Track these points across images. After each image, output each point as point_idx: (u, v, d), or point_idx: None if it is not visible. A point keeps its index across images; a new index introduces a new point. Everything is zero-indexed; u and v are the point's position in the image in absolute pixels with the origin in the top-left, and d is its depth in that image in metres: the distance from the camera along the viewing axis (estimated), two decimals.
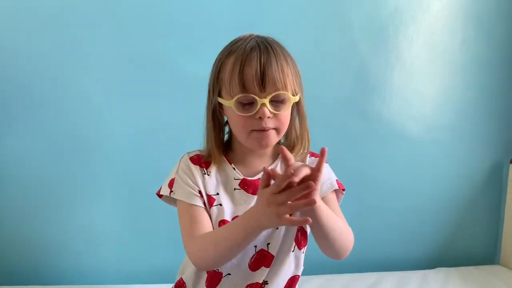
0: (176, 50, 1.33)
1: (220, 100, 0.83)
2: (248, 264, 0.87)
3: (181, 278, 0.94)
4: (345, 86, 1.46)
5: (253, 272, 0.87)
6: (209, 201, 0.87)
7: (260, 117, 0.79)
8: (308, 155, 0.92)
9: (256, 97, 0.78)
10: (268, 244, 0.87)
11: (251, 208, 0.76)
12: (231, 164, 0.89)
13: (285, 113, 0.82)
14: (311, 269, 1.36)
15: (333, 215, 0.78)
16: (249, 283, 0.88)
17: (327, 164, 0.93)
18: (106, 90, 1.32)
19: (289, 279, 0.91)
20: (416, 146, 1.53)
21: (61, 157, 1.31)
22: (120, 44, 1.31)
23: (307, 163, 0.90)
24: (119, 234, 1.35)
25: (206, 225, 0.83)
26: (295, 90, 0.83)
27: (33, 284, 1.27)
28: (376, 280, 1.36)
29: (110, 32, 1.30)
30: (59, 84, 1.29)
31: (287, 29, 1.39)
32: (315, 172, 0.69)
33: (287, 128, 0.87)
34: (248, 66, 0.79)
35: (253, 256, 0.88)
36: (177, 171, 0.88)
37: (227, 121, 0.88)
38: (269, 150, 0.90)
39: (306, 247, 0.92)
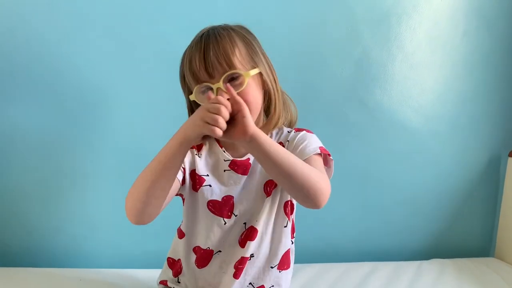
0: (173, 35, 1.32)
1: (190, 97, 0.86)
2: (238, 241, 0.92)
3: (170, 257, 1.00)
4: (345, 76, 1.45)
5: (242, 248, 0.91)
6: (199, 181, 0.91)
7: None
8: (288, 130, 0.94)
9: (209, 84, 0.81)
10: (256, 221, 0.91)
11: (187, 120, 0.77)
12: (221, 148, 0.92)
13: (247, 90, 0.82)
14: (306, 258, 1.37)
15: (288, 153, 0.76)
16: (238, 258, 0.91)
17: (314, 134, 0.93)
18: (103, 74, 1.30)
19: (284, 253, 0.94)
20: (415, 137, 1.52)
21: (58, 140, 1.30)
22: (117, 28, 1.29)
23: (284, 135, 0.93)
24: (114, 219, 1.35)
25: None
26: (248, 66, 0.83)
27: (26, 266, 1.27)
28: (371, 270, 1.37)
29: (108, 15, 1.28)
30: (56, 67, 1.28)
31: (287, 18, 1.39)
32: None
33: (263, 104, 0.89)
34: (194, 57, 0.82)
35: (242, 233, 0.92)
36: None
37: None
38: None
39: (292, 216, 0.95)
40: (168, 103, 1.33)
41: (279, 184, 0.87)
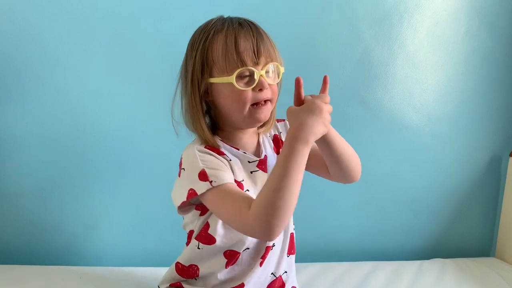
0: (175, 33, 1.31)
1: (213, 80, 0.82)
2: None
3: (193, 264, 0.93)
4: (346, 74, 1.45)
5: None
6: (240, 187, 0.84)
7: (260, 89, 0.81)
8: (276, 122, 0.97)
9: (254, 70, 0.80)
10: None
11: (290, 131, 0.75)
12: (238, 150, 0.88)
13: (276, 84, 0.86)
14: (308, 257, 1.37)
15: (340, 137, 0.86)
16: (262, 252, 0.91)
17: None
18: (104, 72, 1.30)
19: (290, 238, 0.96)
20: (416, 136, 1.52)
21: (57, 138, 1.30)
22: (118, 25, 1.29)
23: (280, 127, 0.98)
24: (114, 217, 1.35)
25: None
26: (281, 62, 0.86)
27: (26, 263, 1.26)
28: (371, 269, 1.36)
29: (110, 12, 1.28)
30: (56, 64, 1.27)
31: (289, 17, 1.38)
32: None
33: None
34: (243, 40, 0.80)
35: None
36: (202, 163, 0.81)
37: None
38: (252, 128, 0.92)
39: None
40: (168, 102, 1.33)
41: (335, 167, 0.90)
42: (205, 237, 0.89)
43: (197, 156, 0.81)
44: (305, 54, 1.41)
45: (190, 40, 0.88)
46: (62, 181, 1.32)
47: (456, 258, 1.51)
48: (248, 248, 0.90)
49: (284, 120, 0.98)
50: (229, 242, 0.89)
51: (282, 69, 0.86)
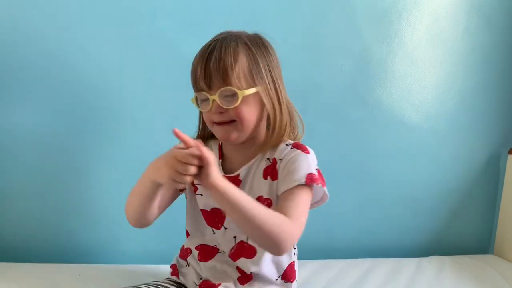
0: (173, 30, 1.31)
1: (191, 99, 0.89)
2: (229, 255, 0.91)
3: (183, 245, 1.02)
4: (345, 72, 1.45)
5: (234, 262, 0.91)
6: (194, 188, 0.95)
7: (220, 112, 0.83)
8: (286, 143, 0.90)
9: (207, 94, 0.82)
10: (248, 237, 0.90)
11: (156, 159, 0.78)
12: (220, 159, 0.94)
13: (241, 107, 0.82)
14: (306, 254, 1.37)
15: (252, 203, 0.74)
16: (235, 271, 0.92)
17: (309, 155, 0.88)
18: (103, 69, 1.30)
19: (287, 267, 0.94)
20: (415, 134, 1.52)
21: (57, 135, 1.30)
22: (117, 24, 1.28)
23: (279, 149, 0.89)
24: (113, 214, 1.35)
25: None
26: (246, 84, 0.82)
27: (25, 261, 1.26)
28: (370, 266, 1.37)
29: (108, 11, 1.28)
30: (56, 62, 1.27)
31: (288, 14, 1.38)
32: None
33: (264, 120, 0.89)
34: (196, 65, 0.84)
35: (233, 247, 0.91)
36: None
37: None
38: (252, 147, 0.90)
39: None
40: (168, 100, 1.34)
41: (242, 232, 0.87)
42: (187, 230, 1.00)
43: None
44: (304, 52, 1.41)
45: None
46: (61, 179, 1.32)
47: (454, 255, 1.52)
48: (223, 252, 0.93)
49: (300, 147, 0.88)
50: (193, 233, 0.97)
51: (242, 93, 0.81)
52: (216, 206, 0.91)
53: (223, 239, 0.92)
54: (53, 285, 1.12)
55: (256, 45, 0.86)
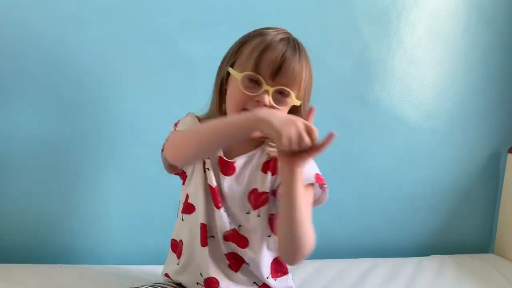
0: (173, 30, 1.31)
1: (230, 69, 0.84)
2: (224, 235, 0.91)
3: (173, 239, 1.00)
4: (345, 71, 1.45)
5: (227, 242, 0.91)
6: (202, 162, 0.92)
7: (258, 101, 0.81)
8: None
9: (263, 82, 0.80)
10: (240, 226, 0.91)
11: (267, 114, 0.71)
12: None
13: (282, 109, 0.82)
14: None
15: (306, 205, 0.77)
16: (228, 251, 0.92)
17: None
18: (102, 69, 1.29)
19: (272, 262, 0.95)
20: (415, 133, 1.52)
21: (56, 136, 1.29)
22: (116, 23, 1.28)
23: None
24: (113, 215, 1.35)
25: None
26: (300, 96, 0.85)
27: (25, 262, 1.26)
28: (370, 266, 1.37)
29: (107, 11, 1.27)
30: (55, 62, 1.27)
31: (288, 12, 1.38)
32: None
33: None
34: (271, 51, 0.80)
35: (227, 231, 0.91)
36: (182, 118, 0.95)
37: None
38: (254, 141, 0.90)
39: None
40: (168, 100, 1.33)
41: (280, 232, 0.83)
42: (186, 206, 0.94)
43: (185, 116, 0.95)
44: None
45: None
46: (61, 180, 1.31)
47: (455, 255, 1.52)
48: (213, 237, 0.91)
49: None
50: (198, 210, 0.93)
51: (295, 101, 0.84)
52: (215, 185, 0.89)
53: (221, 220, 0.90)
54: (52, 285, 1.12)
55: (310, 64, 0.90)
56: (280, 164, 0.75)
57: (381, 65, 1.46)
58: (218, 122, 0.77)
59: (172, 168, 0.96)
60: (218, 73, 0.89)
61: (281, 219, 0.79)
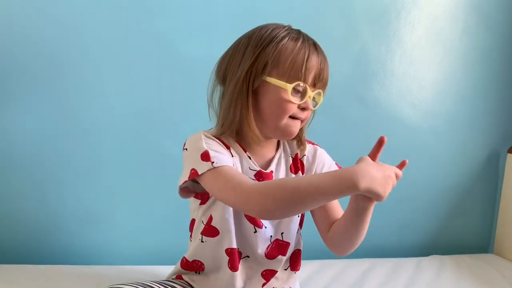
0: (172, 31, 1.31)
1: (270, 80, 0.82)
2: (265, 253, 0.91)
3: (191, 260, 0.93)
4: (344, 72, 1.45)
5: (269, 260, 0.91)
6: None
7: (303, 108, 0.84)
8: (297, 139, 0.95)
9: (309, 89, 0.83)
10: (282, 233, 0.92)
11: (351, 168, 0.73)
12: (246, 152, 0.88)
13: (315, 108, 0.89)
14: (306, 255, 1.36)
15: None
16: (264, 269, 0.92)
17: (324, 150, 0.98)
18: (101, 70, 1.29)
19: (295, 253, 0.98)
20: (414, 133, 1.52)
21: (56, 137, 1.29)
22: (115, 24, 1.28)
23: (293, 145, 0.96)
24: (112, 216, 1.34)
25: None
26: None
27: (23, 263, 1.26)
28: (370, 266, 1.36)
29: (106, 12, 1.27)
30: (54, 63, 1.26)
31: (287, 13, 1.37)
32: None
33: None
34: (313, 59, 0.83)
35: (269, 246, 0.91)
36: (206, 144, 0.82)
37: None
38: (273, 142, 0.92)
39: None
40: (167, 100, 1.33)
41: (344, 239, 0.91)
42: (209, 229, 0.89)
43: (202, 138, 0.83)
44: None
45: (251, 35, 0.85)
46: (61, 181, 1.31)
47: (454, 255, 1.52)
48: (248, 256, 0.90)
49: (313, 143, 0.98)
50: (224, 233, 0.89)
51: (321, 100, 0.88)
52: None
53: (262, 237, 0.89)
54: (51, 286, 1.12)
55: None
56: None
57: (381, 65, 1.47)
58: (316, 183, 0.72)
59: (190, 193, 0.91)
60: (240, 87, 0.83)
61: (348, 229, 0.87)
